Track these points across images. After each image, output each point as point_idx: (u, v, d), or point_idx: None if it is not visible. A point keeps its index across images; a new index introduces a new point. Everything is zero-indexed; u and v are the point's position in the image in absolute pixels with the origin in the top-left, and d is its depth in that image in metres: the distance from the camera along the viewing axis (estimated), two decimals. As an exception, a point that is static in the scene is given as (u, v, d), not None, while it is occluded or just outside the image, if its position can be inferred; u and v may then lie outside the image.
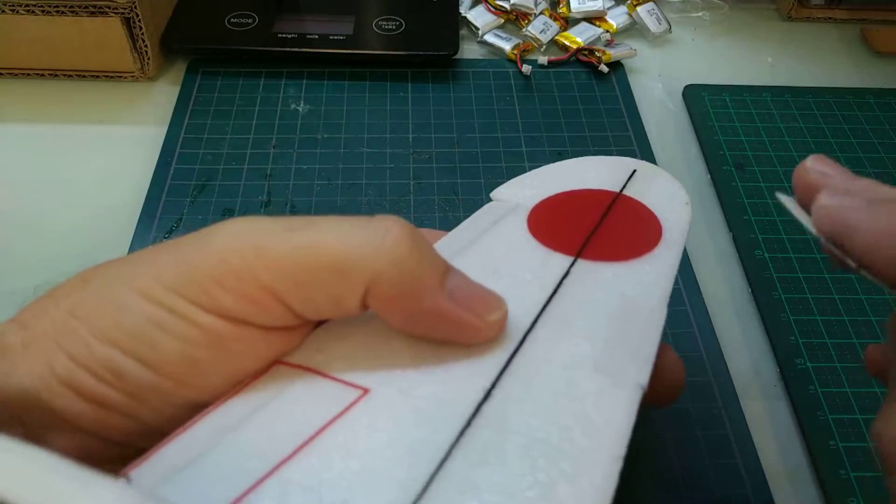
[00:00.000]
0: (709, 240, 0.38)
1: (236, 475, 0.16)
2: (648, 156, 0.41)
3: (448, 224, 0.37)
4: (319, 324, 0.20)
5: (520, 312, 0.20)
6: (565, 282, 0.21)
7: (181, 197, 0.37)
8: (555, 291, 0.21)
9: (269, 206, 0.37)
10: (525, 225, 0.24)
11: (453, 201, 0.38)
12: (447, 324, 0.18)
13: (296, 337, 0.19)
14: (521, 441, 0.16)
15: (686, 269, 0.35)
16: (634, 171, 0.26)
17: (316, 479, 0.16)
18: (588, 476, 0.16)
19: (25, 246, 0.36)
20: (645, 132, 0.42)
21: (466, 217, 0.25)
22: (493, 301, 0.19)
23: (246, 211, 0.37)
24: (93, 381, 0.17)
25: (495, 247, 0.23)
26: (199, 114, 0.42)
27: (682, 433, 0.29)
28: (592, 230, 0.23)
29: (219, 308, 0.17)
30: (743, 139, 0.42)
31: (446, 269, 0.19)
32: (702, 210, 0.39)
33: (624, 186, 0.25)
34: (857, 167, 0.41)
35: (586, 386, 0.18)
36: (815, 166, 0.21)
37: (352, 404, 0.17)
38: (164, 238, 0.35)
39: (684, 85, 0.46)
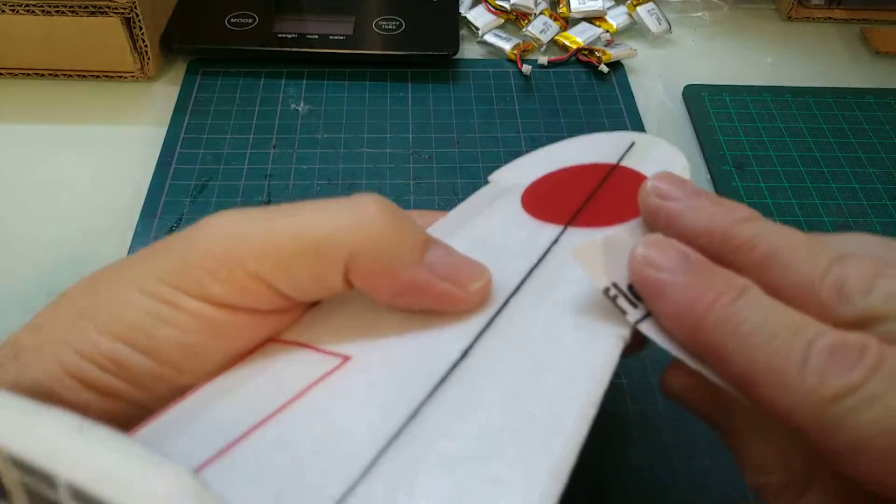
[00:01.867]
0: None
1: (220, 434, 0.17)
2: (648, 156, 0.41)
3: (448, 224, 0.37)
4: (314, 305, 0.21)
5: (507, 280, 0.20)
6: (553, 248, 0.22)
7: (181, 197, 0.37)
8: (542, 258, 0.21)
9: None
10: (519, 202, 0.24)
11: (453, 201, 0.38)
12: (428, 295, 0.19)
13: (288, 318, 0.20)
14: (495, 395, 0.17)
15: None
16: (633, 143, 0.26)
17: (292, 435, 0.16)
18: (561, 422, 0.16)
19: (26, 246, 0.36)
20: (645, 132, 0.42)
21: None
22: (475, 271, 0.20)
23: (246, 211, 0.37)
24: (99, 372, 0.18)
25: (488, 224, 0.24)
26: (199, 114, 0.42)
27: (682, 433, 0.29)
28: (585, 200, 0.23)
29: (210, 296, 0.18)
30: (743, 139, 0.42)
31: (426, 243, 0.19)
32: (702, 210, 0.39)
33: (621, 158, 0.25)
34: (858, 167, 0.41)
35: (565, 342, 0.18)
36: (656, 187, 0.20)
37: (333, 370, 0.18)
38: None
39: (684, 85, 0.46)
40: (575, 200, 0.23)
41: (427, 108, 0.43)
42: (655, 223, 0.20)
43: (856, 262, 0.17)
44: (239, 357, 0.19)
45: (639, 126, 0.43)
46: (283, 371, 0.19)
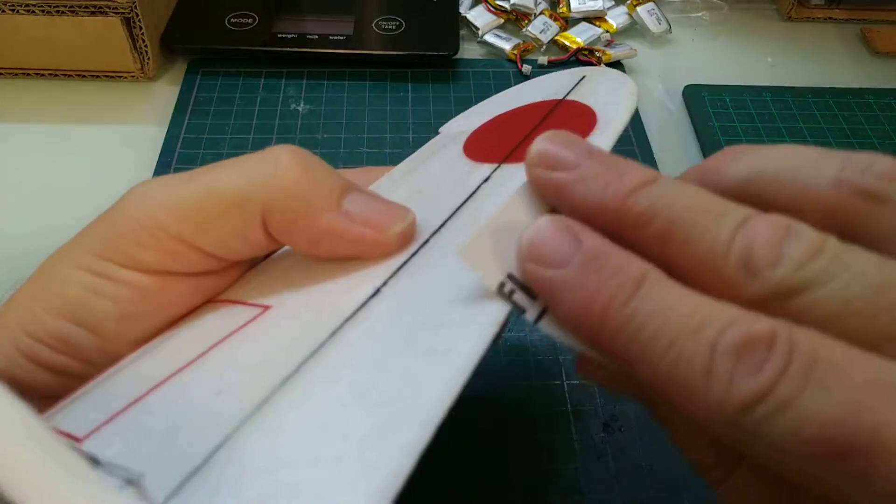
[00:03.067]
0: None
1: (131, 391, 0.17)
2: (648, 156, 0.41)
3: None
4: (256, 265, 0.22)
5: (434, 221, 0.20)
6: (483, 186, 0.21)
7: (181, 197, 0.37)
8: (470, 196, 0.21)
9: (269, 206, 0.37)
10: (461, 148, 0.24)
11: (453, 201, 0.38)
12: (346, 241, 0.19)
13: (225, 279, 0.21)
14: (395, 326, 0.17)
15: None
16: (583, 77, 0.25)
17: (199, 380, 0.17)
18: (460, 342, 0.16)
19: (26, 246, 0.36)
20: (645, 132, 0.42)
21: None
22: (396, 214, 0.19)
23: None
24: (49, 352, 0.19)
25: (428, 171, 0.24)
26: (199, 114, 0.42)
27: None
28: (524, 137, 0.23)
29: (141, 264, 0.19)
30: (743, 139, 0.42)
31: (344, 190, 0.19)
32: (702, 210, 0.39)
33: (568, 93, 0.25)
34: (857, 167, 0.41)
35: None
36: (541, 153, 0.17)
37: (251, 319, 0.19)
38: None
39: (684, 85, 0.46)
40: (515, 138, 0.23)
41: (427, 108, 0.43)
42: (545, 197, 0.17)
43: (762, 223, 0.15)
44: (177, 322, 0.20)
45: (639, 126, 0.43)
46: (206, 327, 0.19)
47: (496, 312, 0.16)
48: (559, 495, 0.28)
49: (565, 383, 0.31)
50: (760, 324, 0.13)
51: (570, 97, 0.24)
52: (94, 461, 0.15)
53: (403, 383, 0.15)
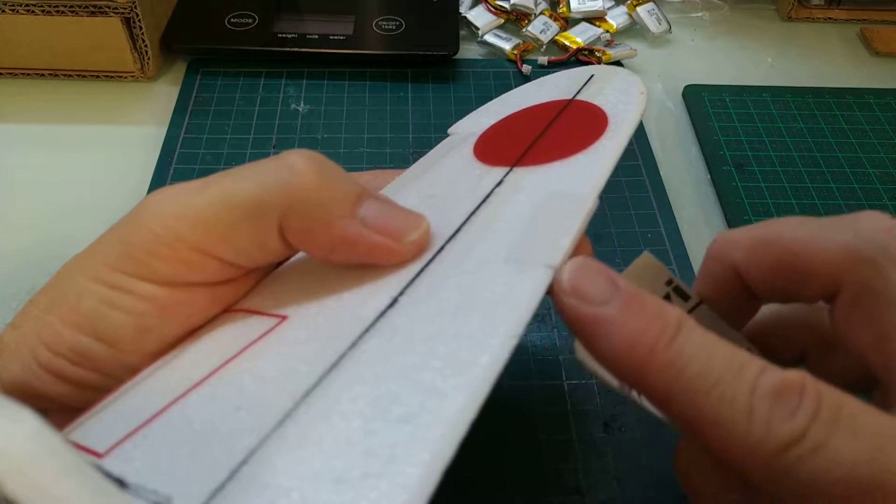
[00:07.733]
0: (709, 240, 0.38)
1: (152, 404, 0.17)
2: (648, 156, 0.41)
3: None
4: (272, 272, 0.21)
5: (447, 227, 0.20)
6: (496, 190, 0.21)
7: (181, 197, 0.37)
8: (483, 201, 0.21)
9: (269, 206, 0.37)
10: (471, 150, 0.24)
11: (453, 201, 0.38)
12: (361, 249, 0.19)
13: (240, 287, 0.20)
14: (421, 335, 0.17)
15: (687, 271, 0.35)
16: (592, 75, 0.25)
17: (218, 395, 0.17)
18: (478, 357, 0.16)
19: (25, 246, 0.36)
20: (645, 132, 0.42)
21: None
22: (411, 222, 0.19)
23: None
24: (68, 365, 0.18)
25: (439, 175, 0.23)
26: (199, 114, 0.42)
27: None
28: (535, 139, 0.23)
29: (158, 276, 0.18)
30: (743, 139, 0.42)
31: (360, 196, 0.19)
32: (702, 210, 0.39)
33: (578, 92, 0.24)
34: (857, 167, 0.41)
35: (493, 278, 0.18)
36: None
37: (269, 330, 0.19)
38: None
39: (684, 85, 0.46)
40: (526, 140, 0.23)
41: (427, 108, 0.43)
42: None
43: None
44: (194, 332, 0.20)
45: (639, 126, 0.43)
46: (224, 337, 0.19)
47: (516, 323, 0.16)
48: (559, 495, 0.28)
49: (565, 383, 0.31)
50: (791, 372, 0.15)
51: (579, 97, 0.24)
52: (122, 483, 0.15)
53: (425, 398, 0.15)
